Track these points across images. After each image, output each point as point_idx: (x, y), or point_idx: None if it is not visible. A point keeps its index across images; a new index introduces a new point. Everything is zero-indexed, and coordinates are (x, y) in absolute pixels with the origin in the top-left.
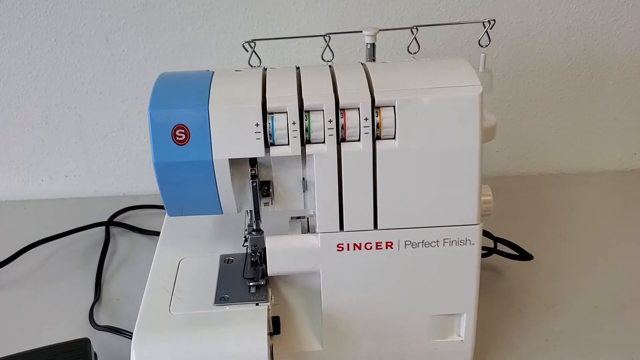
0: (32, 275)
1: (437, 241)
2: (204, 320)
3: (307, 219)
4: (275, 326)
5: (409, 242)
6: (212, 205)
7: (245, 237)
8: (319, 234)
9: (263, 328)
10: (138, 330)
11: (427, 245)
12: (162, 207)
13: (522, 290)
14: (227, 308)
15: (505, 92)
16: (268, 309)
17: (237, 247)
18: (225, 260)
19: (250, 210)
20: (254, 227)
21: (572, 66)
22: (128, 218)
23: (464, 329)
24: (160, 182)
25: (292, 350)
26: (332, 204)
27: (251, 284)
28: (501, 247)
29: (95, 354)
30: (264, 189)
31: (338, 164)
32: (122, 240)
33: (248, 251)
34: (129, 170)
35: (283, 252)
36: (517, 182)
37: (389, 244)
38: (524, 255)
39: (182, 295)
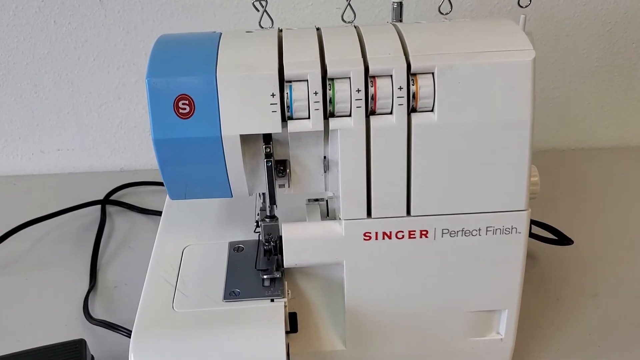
0: (20, 259)
1: (479, 230)
2: (213, 319)
3: (327, 201)
4: (292, 324)
5: (446, 231)
6: (220, 187)
7: (257, 222)
8: (343, 222)
9: (280, 328)
10: (137, 330)
11: (467, 235)
12: (163, 184)
13: (561, 278)
14: (238, 305)
15: (537, 59)
16: (285, 306)
17: (247, 232)
18: (235, 248)
19: (264, 194)
20: (268, 213)
21: (610, 31)
22: (126, 196)
23: (505, 327)
24: (161, 161)
25: (311, 350)
26: (359, 187)
27: (265, 276)
28: (536, 230)
29: (92, 357)
30: (279, 169)
31: (366, 141)
32: (120, 221)
33: (260, 238)
34: (126, 143)
35: (302, 242)
36: (549, 157)
37: (424, 232)
38: (562, 240)
39: (187, 290)
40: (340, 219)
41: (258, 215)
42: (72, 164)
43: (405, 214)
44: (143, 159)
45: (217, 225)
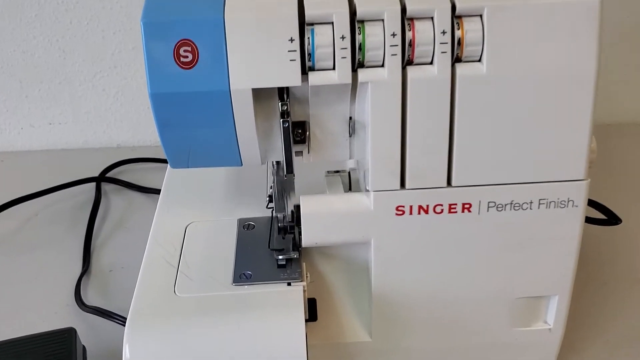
0: (8, 240)
1: (530, 202)
2: (220, 305)
3: (349, 173)
4: (311, 311)
5: (492, 204)
6: (228, 154)
7: (270, 196)
8: (372, 194)
9: (299, 316)
10: (133, 318)
11: (516, 208)
12: (164, 161)
13: (607, 261)
14: (250, 289)
15: None
16: (304, 290)
17: (259, 208)
18: (245, 226)
19: (278, 162)
20: (283, 184)
21: None
22: (123, 173)
23: (554, 315)
24: (159, 120)
25: (332, 342)
26: (392, 152)
27: (280, 257)
28: None
29: (84, 347)
30: (297, 133)
31: (402, 97)
32: (116, 199)
33: (274, 214)
34: (123, 117)
35: (323, 217)
36: None
37: (467, 206)
38: (611, 219)
39: (191, 272)
40: (368, 190)
41: (271, 188)
42: (65, 139)
43: (445, 184)
44: (142, 134)
45: (224, 199)
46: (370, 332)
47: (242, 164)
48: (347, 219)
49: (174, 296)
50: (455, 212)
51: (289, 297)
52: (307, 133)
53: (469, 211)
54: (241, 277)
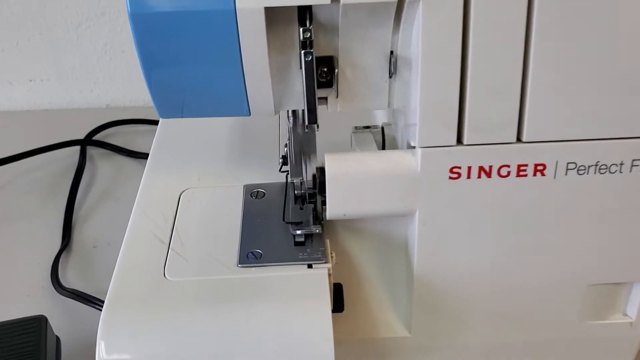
0: None
1: (621, 164)
2: (222, 292)
3: (382, 129)
4: (336, 300)
5: (572, 166)
6: (231, 99)
7: (284, 157)
8: (420, 151)
9: (325, 306)
10: (110, 309)
11: (602, 171)
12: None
13: None
14: (260, 272)
15: None
16: (329, 274)
17: (270, 172)
18: (253, 194)
19: (294, 112)
20: (302, 141)
21: None
22: (112, 136)
23: (636, 307)
24: (143, 53)
25: (361, 337)
26: (448, 97)
27: (298, 232)
28: None
29: (57, 339)
30: (322, 72)
31: (463, 19)
32: (104, 165)
33: (290, 180)
34: (113, 73)
35: (355, 182)
36: None
37: (540, 167)
38: None
39: (185, 250)
40: (413, 147)
41: (286, 146)
42: (47, 98)
43: (514, 140)
44: (134, 92)
45: (227, 161)
46: (409, 326)
47: (250, 114)
48: (386, 184)
49: (164, 280)
50: (525, 175)
51: (310, 282)
52: (335, 72)
53: (543, 174)
54: (249, 256)
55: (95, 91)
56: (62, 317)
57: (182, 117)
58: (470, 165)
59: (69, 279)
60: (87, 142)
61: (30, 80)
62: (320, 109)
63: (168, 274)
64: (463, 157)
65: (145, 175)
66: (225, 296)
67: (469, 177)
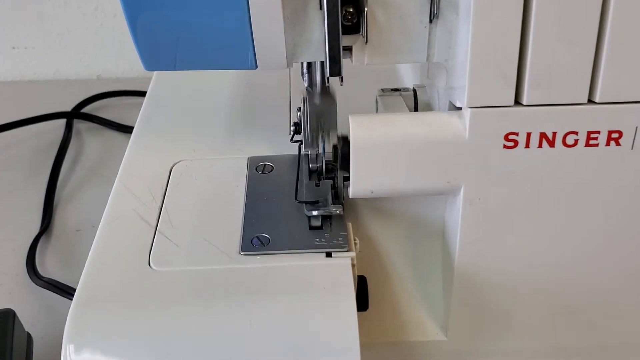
0: None
1: None
2: (221, 286)
3: (414, 91)
4: (360, 296)
5: None
6: (233, 46)
7: (296, 123)
8: (469, 112)
9: (349, 303)
10: (81, 304)
11: None
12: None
13: None
14: (267, 261)
15: None
16: (352, 265)
17: (279, 142)
18: (259, 168)
19: (309, 65)
20: (320, 104)
21: None
22: (102, 109)
23: None
24: None
25: (388, 340)
26: (505, 45)
27: (314, 213)
28: None
29: (28, 335)
30: (347, 14)
31: None
32: (91, 141)
33: (304, 151)
34: (105, 41)
35: (385, 150)
36: None
37: (615, 135)
38: None
39: (176, 234)
40: (459, 108)
41: (299, 110)
42: (32, 68)
43: (585, 100)
44: (127, 62)
45: (228, 129)
46: (445, 328)
47: (256, 66)
48: (425, 154)
49: (148, 270)
50: (596, 144)
51: (329, 275)
52: (364, 13)
53: (618, 143)
54: (253, 242)
55: (85, 61)
56: (36, 311)
57: (174, 69)
58: (529, 131)
59: (47, 266)
60: (74, 114)
61: (14, 48)
62: (346, 63)
63: (153, 263)
64: (522, 120)
65: (131, 145)
66: (224, 292)
67: (527, 145)
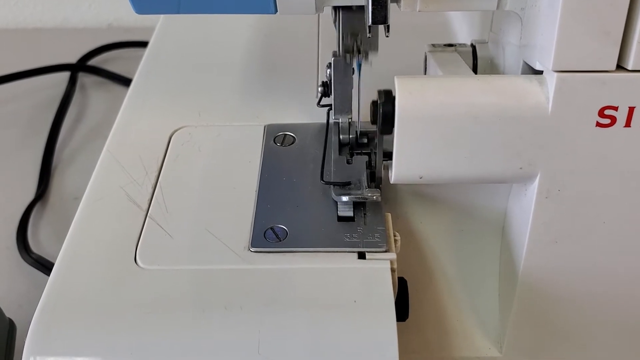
0: None
1: None
2: (226, 289)
3: (473, 47)
4: (400, 303)
5: None
6: None
7: (325, 83)
8: (555, 77)
9: (388, 316)
10: (47, 310)
11: None
12: None
13: None
14: (284, 262)
15: None
16: (392, 270)
17: (303, 107)
18: (278, 139)
19: (344, 11)
20: (352, 59)
21: None
22: (110, 61)
23: None
24: None
25: (431, 355)
26: None
27: (344, 198)
28: None
29: (10, 322)
30: None
31: None
32: (96, 96)
33: (333, 118)
34: None
35: (440, 122)
36: None
37: None
38: None
39: (171, 221)
40: (539, 72)
41: (328, 68)
42: (37, 15)
43: None
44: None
45: (241, 91)
46: (499, 342)
47: (276, 10)
48: (492, 131)
49: (134, 268)
50: None
51: (363, 281)
52: None
53: None
54: (267, 235)
55: (94, 7)
56: (24, 291)
57: (177, 12)
58: (633, 106)
59: (41, 240)
60: (79, 67)
61: None
62: (393, 7)
63: (140, 259)
64: (624, 90)
65: (125, 106)
66: (227, 300)
67: (628, 124)
